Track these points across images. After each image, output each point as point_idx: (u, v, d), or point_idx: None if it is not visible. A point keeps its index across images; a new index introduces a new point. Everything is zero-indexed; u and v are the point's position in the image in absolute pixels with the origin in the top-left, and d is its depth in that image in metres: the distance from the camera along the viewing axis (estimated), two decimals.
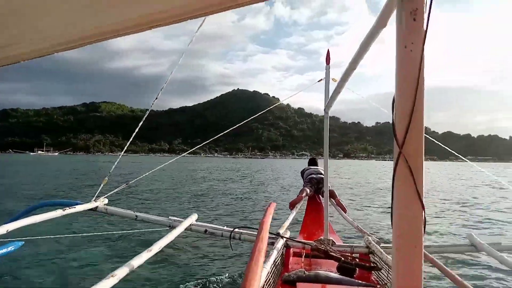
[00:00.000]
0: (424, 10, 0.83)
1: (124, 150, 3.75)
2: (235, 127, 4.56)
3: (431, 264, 2.36)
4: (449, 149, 3.92)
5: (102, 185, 3.24)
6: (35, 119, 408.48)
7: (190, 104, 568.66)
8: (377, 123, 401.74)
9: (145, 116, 3.40)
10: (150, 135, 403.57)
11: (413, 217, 0.84)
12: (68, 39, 0.86)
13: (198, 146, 5.14)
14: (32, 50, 0.91)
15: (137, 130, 3.51)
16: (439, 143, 4.02)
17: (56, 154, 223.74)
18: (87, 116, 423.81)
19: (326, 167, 3.56)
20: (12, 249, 4.82)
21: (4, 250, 4.67)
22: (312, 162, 6.70)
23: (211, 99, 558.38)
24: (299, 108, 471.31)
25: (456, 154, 4.06)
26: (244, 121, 4.85)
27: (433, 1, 0.81)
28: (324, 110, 3.23)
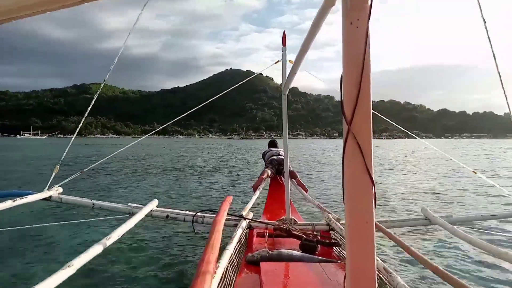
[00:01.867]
0: None
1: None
2: (209, 100, 4.64)
3: (388, 239, 2.44)
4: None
5: (54, 173, 3.08)
6: (24, 102, 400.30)
7: (183, 85, 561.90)
8: (372, 101, 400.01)
9: (97, 93, 3.41)
10: (143, 117, 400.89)
11: (363, 193, 0.85)
12: None
13: (172, 121, 5.08)
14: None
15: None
16: (391, 122, 4.28)
17: (44, 137, 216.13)
18: (78, 98, 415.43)
19: (286, 148, 3.62)
20: None
21: None
22: (272, 144, 6.83)
23: (204, 79, 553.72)
24: (293, 87, 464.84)
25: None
26: (222, 93, 4.81)
27: None
28: (282, 92, 3.24)
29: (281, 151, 6.15)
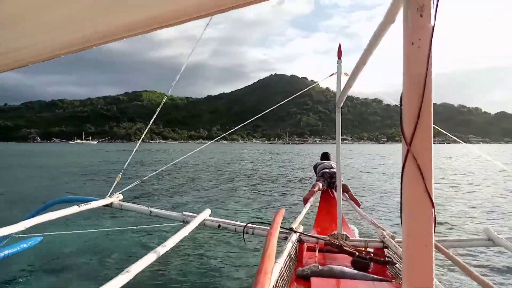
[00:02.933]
0: (432, 5, 0.82)
1: (142, 137, 4.21)
2: (265, 112, 4.71)
3: (447, 259, 2.32)
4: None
5: (116, 181, 3.34)
6: (80, 109, 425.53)
7: (228, 91, 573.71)
8: None
9: (161, 104, 3.55)
10: (190, 123, 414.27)
11: (422, 215, 0.84)
12: (75, 42, 0.89)
13: (231, 130, 5.18)
14: (39, 53, 0.94)
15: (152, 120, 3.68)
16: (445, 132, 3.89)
17: (95, 142, 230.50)
18: (129, 105, 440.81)
19: (339, 161, 3.53)
20: (31, 244, 4.91)
21: (24, 245, 4.76)
22: (325, 157, 6.74)
23: (248, 85, 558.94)
24: None
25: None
26: (276, 105, 4.77)
27: None
28: (336, 105, 3.15)
29: (333, 164, 6.09)
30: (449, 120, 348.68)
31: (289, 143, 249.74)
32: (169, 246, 2.27)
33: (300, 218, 3.60)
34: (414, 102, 0.84)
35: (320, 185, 5.64)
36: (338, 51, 3.54)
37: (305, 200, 5.15)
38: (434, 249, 0.84)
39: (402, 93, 0.86)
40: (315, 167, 6.47)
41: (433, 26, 0.82)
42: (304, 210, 4.15)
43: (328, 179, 5.82)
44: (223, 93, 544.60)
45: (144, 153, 46.38)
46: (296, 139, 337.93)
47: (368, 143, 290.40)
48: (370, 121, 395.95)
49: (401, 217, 0.87)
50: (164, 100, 3.71)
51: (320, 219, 4.43)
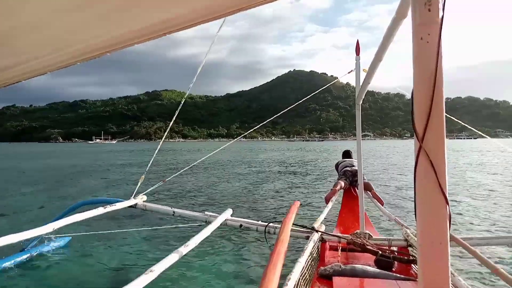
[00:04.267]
0: (439, 0, 0.82)
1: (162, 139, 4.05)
2: (284, 111, 4.66)
3: (472, 257, 2.22)
4: None
5: (140, 183, 3.41)
6: (102, 109, 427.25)
7: (247, 88, 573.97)
8: (447, 99, 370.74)
9: (182, 101, 3.61)
10: (209, 121, 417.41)
11: (437, 213, 0.83)
12: (86, 50, 0.92)
13: (251, 130, 5.25)
14: (56, 61, 0.96)
15: (173, 120, 3.71)
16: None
17: (114, 142, 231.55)
18: (149, 104, 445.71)
19: (360, 159, 3.54)
20: (61, 244, 5.07)
21: (53, 245, 4.92)
22: (346, 155, 6.68)
23: (267, 82, 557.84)
24: None
25: None
26: (296, 104, 4.73)
27: None
28: (355, 101, 3.16)
29: (355, 162, 5.97)
30: (475, 113, 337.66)
31: (308, 140, 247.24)
32: (192, 246, 2.28)
33: (322, 217, 3.58)
34: (424, 98, 0.83)
35: (342, 183, 5.59)
36: (356, 47, 3.52)
37: (327, 199, 5.12)
38: (449, 246, 0.84)
39: (412, 89, 0.86)
40: (336, 166, 6.43)
41: (441, 20, 0.81)
42: (326, 209, 4.12)
43: (350, 177, 5.75)
44: (242, 90, 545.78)
45: (163, 153, 46.41)
46: (316, 136, 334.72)
47: (391, 139, 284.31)
48: (393, 116, 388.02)
49: (415, 214, 0.87)
50: (183, 99, 3.74)
51: (343, 218, 4.40)
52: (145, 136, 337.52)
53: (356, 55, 3.50)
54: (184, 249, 2.19)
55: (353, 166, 5.88)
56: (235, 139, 6.25)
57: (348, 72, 3.78)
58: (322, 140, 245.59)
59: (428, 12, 0.82)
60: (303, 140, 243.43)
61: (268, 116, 4.35)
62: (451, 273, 1.97)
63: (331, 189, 5.46)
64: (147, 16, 0.76)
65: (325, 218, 3.67)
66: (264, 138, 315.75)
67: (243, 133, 5.56)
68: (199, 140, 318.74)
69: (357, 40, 3.53)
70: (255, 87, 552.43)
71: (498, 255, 4.96)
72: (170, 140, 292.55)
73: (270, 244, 5.25)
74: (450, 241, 0.80)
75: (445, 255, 0.83)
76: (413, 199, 0.90)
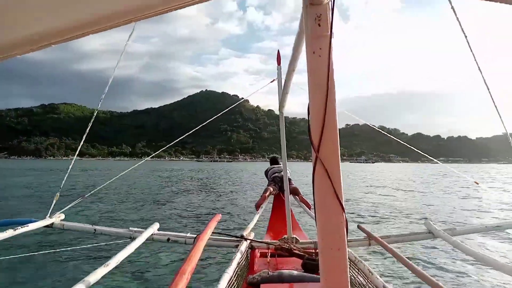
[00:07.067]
0: (328, 15, 0.85)
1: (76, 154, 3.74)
2: (194, 130, 4.64)
3: (391, 255, 2.39)
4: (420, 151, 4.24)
5: (54, 201, 3.14)
6: None
7: (156, 106, 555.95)
8: (347, 125, 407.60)
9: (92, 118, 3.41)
10: (112, 138, 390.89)
11: (334, 220, 0.85)
12: None
13: (162, 149, 5.10)
14: None
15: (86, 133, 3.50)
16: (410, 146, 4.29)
17: None
18: (44, 117, 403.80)
19: (285, 166, 3.62)
20: None
21: None
22: (274, 161, 6.75)
23: (178, 101, 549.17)
24: (269, 110, 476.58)
25: (427, 156, 4.34)
26: (206, 122, 4.73)
27: (334, 7, 0.85)
28: (279, 110, 3.24)
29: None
30: (372, 140, 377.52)
31: (217, 161, 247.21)
32: (113, 264, 2.08)
33: (251, 224, 3.54)
34: (319, 111, 0.86)
35: (271, 189, 5.62)
36: (277, 57, 3.60)
37: (257, 206, 5.05)
38: (347, 251, 0.87)
39: (309, 103, 0.89)
40: (266, 172, 6.48)
41: (330, 35, 0.84)
42: (256, 216, 4.06)
43: (279, 183, 5.76)
44: (151, 108, 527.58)
45: (57, 172, 41.48)
46: (227, 156, 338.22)
47: (296, 161, 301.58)
48: (299, 140, 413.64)
49: (316, 223, 0.88)
50: (94, 116, 3.43)
51: (273, 224, 4.41)
52: (34, 153, 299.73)
53: (278, 64, 3.57)
54: (103, 270, 1.96)
55: (282, 172, 6.00)
56: (143, 160, 5.71)
57: (271, 81, 3.88)
58: (231, 161, 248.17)
59: (318, 27, 0.84)
60: (212, 161, 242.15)
61: (178, 135, 4.19)
62: (369, 271, 2.04)
63: (261, 196, 5.45)
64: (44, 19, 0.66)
65: (257, 225, 3.62)
66: (172, 158, 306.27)
67: (150, 153, 5.25)
68: (98, 159, 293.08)
69: (278, 51, 3.61)
70: (165, 105, 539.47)
71: (412, 251, 5.56)
72: (65, 158, 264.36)
73: (201, 256, 5.15)
74: (370, 239, 0.84)
75: (343, 262, 0.86)
76: None
